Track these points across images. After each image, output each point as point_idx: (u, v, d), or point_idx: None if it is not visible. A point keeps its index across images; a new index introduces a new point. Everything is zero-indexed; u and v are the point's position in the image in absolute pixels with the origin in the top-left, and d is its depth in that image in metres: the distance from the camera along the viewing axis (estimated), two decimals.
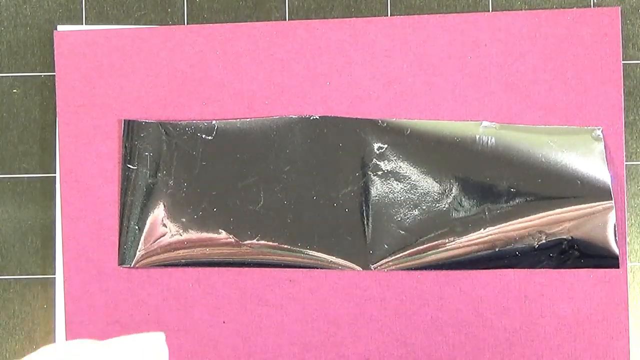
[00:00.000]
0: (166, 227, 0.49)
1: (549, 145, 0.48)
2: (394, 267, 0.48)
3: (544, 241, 0.48)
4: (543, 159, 0.48)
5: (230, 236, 0.49)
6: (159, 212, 0.49)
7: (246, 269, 0.49)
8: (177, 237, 0.49)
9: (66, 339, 0.49)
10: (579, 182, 0.48)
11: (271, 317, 0.49)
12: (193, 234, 0.49)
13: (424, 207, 0.48)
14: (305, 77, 0.49)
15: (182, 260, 0.49)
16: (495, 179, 0.48)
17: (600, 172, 0.48)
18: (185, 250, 0.49)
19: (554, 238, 0.48)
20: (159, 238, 0.49)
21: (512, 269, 0.48)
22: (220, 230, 0.49)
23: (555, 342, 0.48)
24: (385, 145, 0.49)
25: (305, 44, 0.49)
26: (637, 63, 0.50)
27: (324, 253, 0.49)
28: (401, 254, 0.48)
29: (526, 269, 0.48)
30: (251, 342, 0.49)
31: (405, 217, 0.48)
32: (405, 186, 0.49)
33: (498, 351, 0.48)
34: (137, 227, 0.49)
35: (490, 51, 0.49)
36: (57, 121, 0.50)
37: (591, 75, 0.49)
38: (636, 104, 0.50)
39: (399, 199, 0.49)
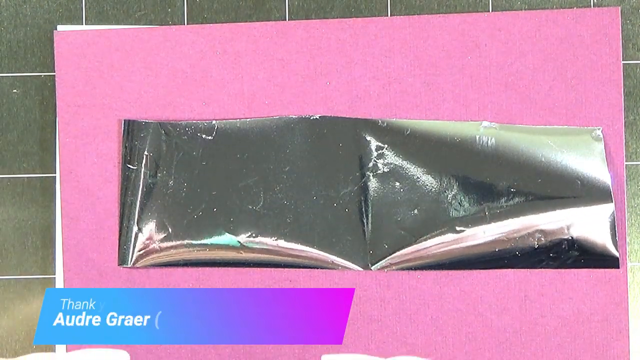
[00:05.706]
0: (166, 227, 0.49)
1: (549, 145, 0.48)
2: (394, 267, 0.48)
3: (543, 241, 0.48)
4: (543, 159, 0.48)
5: (230, 236, 0.49)
6: (159, 212, 0.49)
7: (246, 269, 0.49)
8: (177, 237, 0.49)
9: None
10: (579, 182, 0.48)
11: None
12: (193, 234, 0.49)
13: (424, 207, 0.48)
14: (305, 77, 0.49)
15: (182, 260, 0.49)
16: (495, 179, 0.48)
17: (600, 172, 0.48)
18: (185, 250, 0.49)
19: (554, 238, 0.48)
20: (159, 238, 0.49)
21: (512, 269, 0.48)
22: (220, 230, 0.49)
23: (555, 342, 0.48)
24: (385, 145, 0.49)
25: (305, 44, 0.49)
26: (637, 63, 0.50)
27: (324, 253, 0.48)
28: (401, 254, 0.48)
29: (526, 269, 0.48)
30: None
31: (405, 217, 0.48)
32: (405, 186, 0.49)
33: (498, 351, 0.48)
34: (137, 227, 0.49)
35: (490, 51, 0.49)
36: (57, 121, 0.50)
37: (591, 75, 0.49)
38: (636, 104, 0.50)
39: (398, 198, 0.49)
